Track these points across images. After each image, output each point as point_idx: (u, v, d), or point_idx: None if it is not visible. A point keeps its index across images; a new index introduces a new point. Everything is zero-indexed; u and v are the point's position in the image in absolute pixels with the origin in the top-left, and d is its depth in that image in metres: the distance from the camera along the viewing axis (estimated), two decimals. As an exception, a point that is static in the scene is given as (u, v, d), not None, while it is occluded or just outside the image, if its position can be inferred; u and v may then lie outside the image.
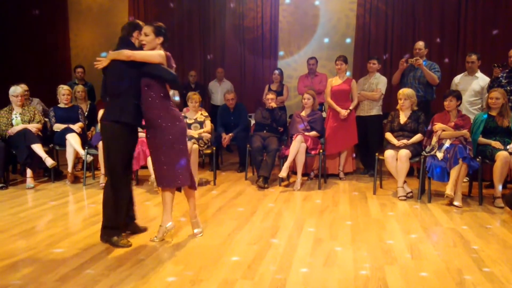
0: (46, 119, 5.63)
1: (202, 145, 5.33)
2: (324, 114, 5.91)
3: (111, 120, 3.13)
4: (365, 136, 5.78)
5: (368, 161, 5.92)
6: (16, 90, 5.28)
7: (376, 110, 5.84)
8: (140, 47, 3.19)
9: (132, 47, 3.15)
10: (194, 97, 5.53)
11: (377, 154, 4.93)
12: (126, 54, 3.03)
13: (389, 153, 4.71)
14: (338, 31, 8.49)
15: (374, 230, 3.66)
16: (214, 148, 5.49)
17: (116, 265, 2.84)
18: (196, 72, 7.88)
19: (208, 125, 5.53)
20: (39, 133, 5.28)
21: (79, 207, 4.44)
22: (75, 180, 5.42)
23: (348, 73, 5.92)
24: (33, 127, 5.23)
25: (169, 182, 3.24)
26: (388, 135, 4.91)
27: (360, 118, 5.81)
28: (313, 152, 5.21)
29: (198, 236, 3.44)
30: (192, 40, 8.92)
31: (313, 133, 5.33)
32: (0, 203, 4.43)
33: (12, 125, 5.20)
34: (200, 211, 4.20)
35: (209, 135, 5.48)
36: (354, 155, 5.98)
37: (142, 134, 5.26)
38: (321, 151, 5.26)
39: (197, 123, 5.48)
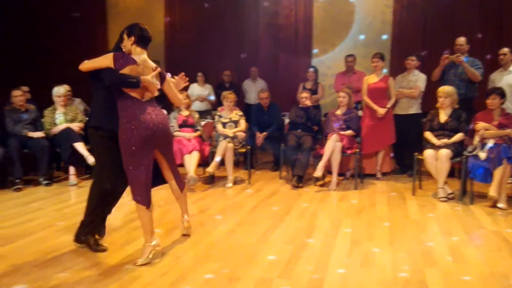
0: (87, 118, 5.83)
1: (236, 144, 5.37)
2: (360, 113, 5.82)
3: None
4: (403, 135, 5.65)
5: (405, 161, 5.78)
6: (59, 91, 5.50)
7: (414, 109, 5.69)
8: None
9: (118, 51, 3.05)
10: (229, 97, 5.58)
11: (416, 154, 4.80)
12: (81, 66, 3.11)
13: (429, 153, 4.58)
14: (374, 28, 8.32)
15: (413, 231, 3.57)
16: (249, 147, 5.52)
17: (154, 262, 2.91)
18: (231, 72, 7.93)
19: (242, 124, 5.56)
20: (81, 132, 5.47)
21: (118, 204, 4.53)
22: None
23: (384, 71, 5.80)
24: (75, 126, 5.43)
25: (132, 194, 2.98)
26: (428, 134, 4.78)
27: (398, 117, 5.68)
28: (348, 152, 5.14)
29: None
30: (226, 40, 8.98)
31: (349, 132, 5.26)
32: (45, 199, 4.63)
33: (55, 124, 5.42)
34: (235, 209, 4.25)
35: (243, 134, 5.52)
36: (391, 154, 5.85)
37: (177, 133, 5.42)
38: (357, 150, 5.18)
39: (232, 122, 5.52)
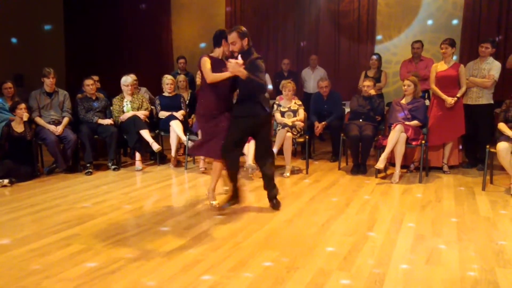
0: (153, 107, 6.06)
1: (295, 133, 5.33)
2: (427, 102, 5.53)
3: None
4: (473, 127, 5.30)
5: (476, 154, 5.43)
6: (127, 80, 5.76)
7: (486, 99, 5.31)
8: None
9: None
10: (288, 85, 5.53)
11: (488, 146, 4.49)
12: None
13: (502, 146, 4.26)
14: (444, 12, 7.85)
15: (483, 229, 3.36)
16: (307, 137, 5.46)
17: (215, 247, 2.98)
18: (289, 60, 7.87)
19: (301, 113, 5.50)
20: (147, 119, 5.71)
21: (182, 190, 4.73)
22: (178, 164, 5.78)
23: (454, 58, 5.45)
24: (141, 114, 5.67)
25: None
26: (502, 126, 4.44)
27: (468, 107, 5.33)
28: (414, 143, 4.92)
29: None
30: (286, 28, 8.91)
31: (415, 122, 5.02)
32: (113, 183, 4.90)
33: (123, 112, 5.70)
34: (293, 199, 4.23)
35: (302, 124, 5.46)
36: (460, 147, 5.52)
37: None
38: (423, 142, 4.94)
39: (291, 112, 5.48)
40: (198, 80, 6.67)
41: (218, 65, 3.62)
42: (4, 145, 5.03)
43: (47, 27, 10.23)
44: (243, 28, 3.66)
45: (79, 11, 10.24)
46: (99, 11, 10.10)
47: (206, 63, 3.59)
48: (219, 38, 3.72)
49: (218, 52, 3.76)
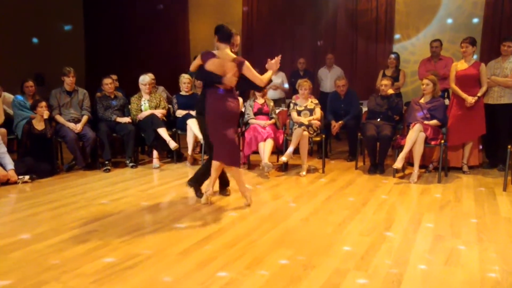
0: (170, 106, 6.11)
1: (311, 132, 5.30)
2: (446, 102, 5.44)
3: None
4: (494, 127, 5.19)
5: (496, 154, 5.31)
6: (145, 79, 5.81)
7: (508, 98, 5.18)
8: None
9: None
10: (304, 84, 5.51)
11: (509, 146, 4.39)
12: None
13: (525, 146, 4.16)
14: (464, 10, 7.70)
15: (504, 230, 3.28)
16: (324, 136, 5.42)
17: (231, 244, 2.98)
18: (305, 59, 7.83)
19: (318, 112, 5.47)
20: (164, 118, 5.76)
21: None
22: (194, 162, 5.81)
23: (474, 57, 5.34)
24: (159, 112, 5.72)
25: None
26: (524, 126, 4.34)
27: (489, 106, 5.22)
28: (433, 143, 4.84)
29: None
30: (303, 27, 8.88)
31: (434, 121, 4.93)
32: (131, 180, 4.95)
33: (141, 110, 5.75)
34: (309, 198, 4.21)
35: (318, 123, 5.43)
36: (480, 147, 5.41)
37: (253, 121, 5.49)
38: (442, 141, 4.86)
39: (307, 110, 5.46)
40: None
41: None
42: (25, 142, 5.14)
43: (67, 27, 10.41)
44: None
45: (98, 11, 10.40)
46: (117, 11, 10.23)
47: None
48: (229, 37, 3.75)
49: (223, 50, 3.73)
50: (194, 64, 3.82)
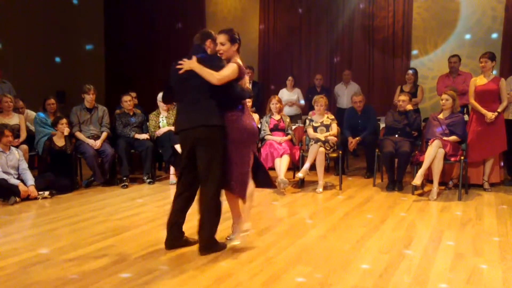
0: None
1: (328, 149, 5.27)
2: (466, 117, 5.36)
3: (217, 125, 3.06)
4: (515, 143, 5.09)
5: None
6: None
7: (529, 113, 5.10)
8: (213, 55, 3.17)
9: (204, 53, 3.16)
10: (320, 100, 5.50)
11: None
12: (194, 65, 3.02)
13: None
14: (482, 25, 7.64)
15: (529, 249, 3.18)
16: (340, 152, 5.39)
17: (247, 261, 2.96)
18: (322, 76, 7.86)
19: (334, 128, 5.45)
20: (181, 134, 5.80)
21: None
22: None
23: (494, 72, 5.27)
24: (176, 129, 5.78)
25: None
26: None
27: (509, 122, 5.13)
28: (452, 159, 4.76)
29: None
30: (319, 44, 8.93)
31: (453, 137, 4.86)
32: (148, 196, 4.99)
33: (159, 127, 5.83)
34: (326, 215, 4.17)
35: (335, 139, 5.40)
36: (502, 163, 5.29)
37: (269, 137, 5.49)
38: (462, 158, 4.77)
39: (323, 126, 5.44)
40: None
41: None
42: (46, 158, 5.25)
43: (88, 46, 10.69)
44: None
45: (118, 31, 10.66)
46: (137, 30, 10.47)
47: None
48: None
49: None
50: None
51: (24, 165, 4.90)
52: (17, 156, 4.87)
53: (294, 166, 5.68)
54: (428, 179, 5.12)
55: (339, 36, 8.76)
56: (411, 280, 2.64)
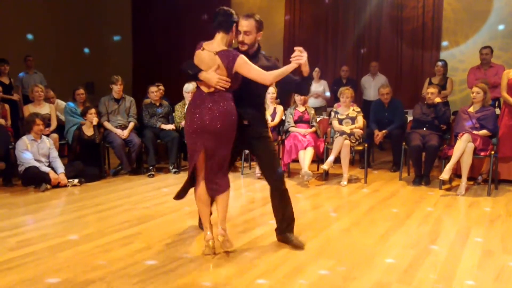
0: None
1: (353, 141, 5.21)
2: (497, 111, 5.19)
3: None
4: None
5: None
6: (188, 87, 5.95)
7: None
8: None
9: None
10: (346, 92, 5.43)
11: None
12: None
13: None
14: (517, 16, 7.35)
15: (562, 248, 3.07)
16: (366, 145, 5.31)
17: (271, 252, 2.98)
18: (348, 67, 7.75)
19: (360, 121, 5.38)
20: (205, 125, 5.85)
21: (237, 194, 4.78)
22: (234, 169, 5.86)
23: (528, 64, 5.09)
24: (201, 120, 5.82)
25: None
26: None
27: (544, 116, 4.93)
28: (482, 154, 4.63)
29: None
30: (346, 35, 8.79)
31: (483, 131, 4.72)
32: (174, 186, 5.05)
33: (184, 118, 5.88)
34: (350, 208, 4.13)
35: (361, 131, 5.33)
36: (534, 159, 5.11)
37: (293, 129, 5.46)
38: (492, 152, 4.63)
39: (349, 119, 5.38)
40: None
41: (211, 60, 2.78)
42: (75, 147, 5.39)
43: (116, 38, 10.86)
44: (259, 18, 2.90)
45: (146, 23, 10.78)
46: (164, 22, 10.56)
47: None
48: (230, 22, 2.80)
49: (223, 41, 2.82)
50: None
51: (55, 153, 5.05)
52: (47, 144, 5.02)
53: (318, 159, 5.65)
54: (456, 173, 5.00)
55: (366, 27, 8.60)
56: (437, 276, 2.59)
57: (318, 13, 9.00)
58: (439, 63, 6.35)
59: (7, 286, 2.47)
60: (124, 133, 5.56)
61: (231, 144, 2.86)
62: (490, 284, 2.50)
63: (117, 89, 5.71)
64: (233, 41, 2.90)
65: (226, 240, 2.91)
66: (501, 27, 7.46)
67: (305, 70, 2.84)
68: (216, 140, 2.79)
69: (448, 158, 4.67)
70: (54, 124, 5.72)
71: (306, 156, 5.19)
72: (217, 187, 2.90)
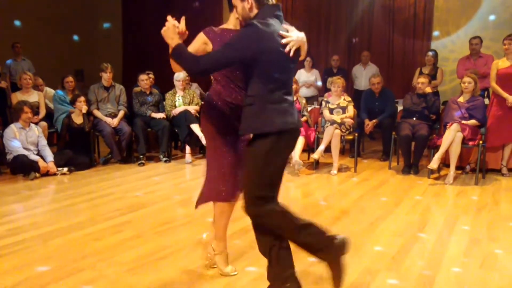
0: (203, 102, 6.17)
1: (344, 131, 5.24)
2: (486, 101, 5.24)
3: None
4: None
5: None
6: (179, 76, 5.90)
7: (553, 98, 4.94)
8: None
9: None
10: (337, 81, 5.44)
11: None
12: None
13: None
14: (508, 6, 7.38)
15: (546, 236, 3.14)
16: (356, 135, 5.34)
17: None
18: (339, 57, 7.74)
19: (350, 110, 5.40)
20: (197, 114, 5.83)
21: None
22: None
23: (518, 55, 5.11)
24: (192, 108, 5.81)
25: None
26: None
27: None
28: (471, 143, 4.68)
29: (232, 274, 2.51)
30: (338, 24, 8.77)
31: (472, 121, 4.77)
32: (164, 175, 5.06)
33: (175, 106, 5.86)
34: (340, 197, 4.17)
35: (351, 121, 5.35)
36: (521, 149, 5.18)
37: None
38: (481, 142, 4.69)
39: (340, 108, 5.40)
40: None
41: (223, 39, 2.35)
42: (64, 135, 5.35)
43: (106, 25, 10.73)
44: None
45: (136, 10, 10.63)
46: (155, 10, 10.42)
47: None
48: None
49: (231, 19, 2.48)
50: None
51: (44, 141, 5.00)
52: (36, 132, 4.97)
53: (309, 148, 5.67)
54: (445, 163, 5.06)
55: (359, 16, 8.59)
56: (424, 263, 2.64)
57: (310, 2, 8.96)
58: (430, 53, 6.37)
59: (-4, 274, 2.46)
60: (114, 122, 5.53)
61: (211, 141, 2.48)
62: (476, 271, 2.55)
63: (106, 77, 5.65)
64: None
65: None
66: (492, 17, 7.50)
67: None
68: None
69: (437, 148, 4.72)
70: (42, 112, 5.67)
71: (297, 145, 5.20)
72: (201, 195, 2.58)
